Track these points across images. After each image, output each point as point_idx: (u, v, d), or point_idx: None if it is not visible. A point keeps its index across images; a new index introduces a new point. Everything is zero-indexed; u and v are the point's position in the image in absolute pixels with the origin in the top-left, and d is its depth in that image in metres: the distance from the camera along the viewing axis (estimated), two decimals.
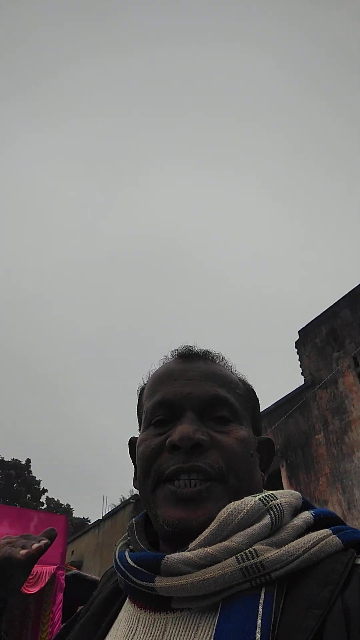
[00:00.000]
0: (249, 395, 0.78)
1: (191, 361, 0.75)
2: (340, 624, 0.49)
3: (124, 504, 19.96)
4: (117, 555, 0.68)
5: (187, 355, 0.76)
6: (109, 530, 19.74)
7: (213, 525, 0.59)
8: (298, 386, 12.57)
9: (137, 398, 0.81)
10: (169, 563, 0.58)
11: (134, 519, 0.75)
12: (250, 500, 0.61)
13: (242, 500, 0.61)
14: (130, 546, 0.70)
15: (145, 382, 0.80)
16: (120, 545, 0.72)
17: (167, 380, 0.73)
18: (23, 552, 0.61)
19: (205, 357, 0.77)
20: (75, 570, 4.93)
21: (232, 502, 0.61)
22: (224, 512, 0.60)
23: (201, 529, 0.61)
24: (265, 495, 0.63)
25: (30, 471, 39.25)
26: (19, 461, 38.64)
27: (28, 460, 39.22)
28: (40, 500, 39.19)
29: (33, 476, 39.21)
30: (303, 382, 12.58)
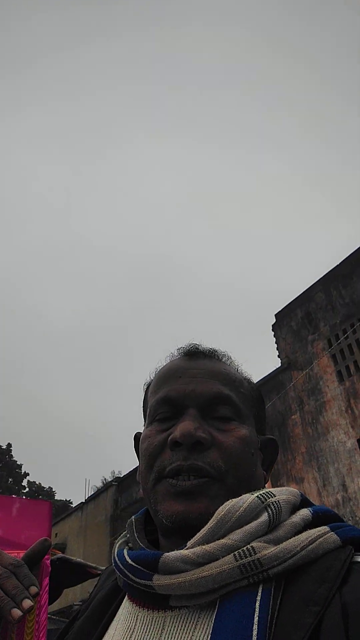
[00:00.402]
0: (253, 395, 0.77)
1: (196, 359, 0.76)
2: (338, 621, 0.49)
3: (106, 486, 20.20)
4: (115, 553, 0.68)
5: (193, 353, 0.77)
6: (92, 512, 19.98)
7: (211, 523, 0.59)
8: (275, 368, 12.85)
9: (143, 394, 0.81)
10: (167, 561, 0.58)
11: (133, 517, 0.76)
12: (248, 498, 0.61)
13: (239, 497, 0.62)
14: (129, 544, 0.70)
15: (151, 378, 0.80)
16: (119, 543, 0.72)
17: (171, 377, 0.73)
18: (15, 614, 0.60)
19: (211, 355, 0.77)
20: (60, 554, 5.05)
21: (230, 500, 0.61)
22: (222, 510, 0.60)
23: (198, 522, 0.61)
24: (263, 493, 0.63)
25: (12, 455, 39.24)
26: (0, 446, 38.58)
27: (9, 445, 39.19)
28: (22, 484, 39.28)
29: (14, 460, 39.22)
30: (280, 364, 12.86)
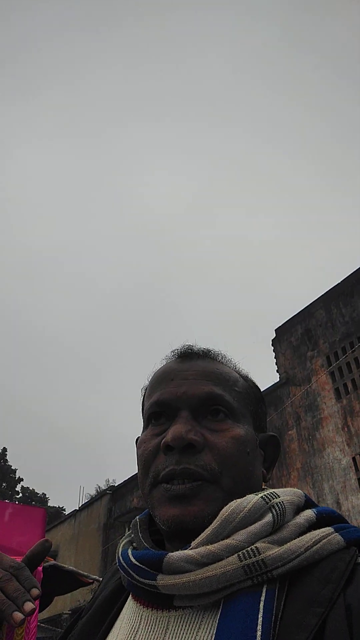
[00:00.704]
0: (250, 392, 0.77)
1: (189, 360, 0.75)
2: (342, 622, 0.49)
3: (100, 494, 20.13)
4: (120, 553, 0.68)
5: (186, 355, 0.76)
6: (85, 520, 19.88)
7: (215, 523, 0.60)
8: (273, 383, 12.87)
9: (141, 398, 0.81)
10: (171, 561, 0.58)
11: (137, 517, 0.76)
12: (252, 499, 0.61)
13: (244, 498, 0.62)
14: (133, 544, 0.70)
15: (148, 382, 0.80)
16: (123, 542, 0.72)
17: (164, 380, 0.73)
18: (17, 617, 0.58)
19: (205, 355, 0.77)
20: (52, 562, 5.05)
21: (234, 500, 0.61)
22: (226, 510, 0.60)
23: (195, 525, 0.61)
24: (267, 494, 0.63)
25: (7, 460, 39.15)
26: None
27: (4, 450, 39.10)
28: (16, 489, 39.13)
29: (9, 465, 39.13)
30: (278, 379, 12.88)
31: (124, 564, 0.65)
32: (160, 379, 0.75)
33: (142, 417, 0.80)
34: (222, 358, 0.78)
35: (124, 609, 0.69)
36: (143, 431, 0.75)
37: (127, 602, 0.69)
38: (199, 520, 0.62)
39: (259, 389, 0.81)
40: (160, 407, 0.72)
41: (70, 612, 16.50)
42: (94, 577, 6.44)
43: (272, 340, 13.63)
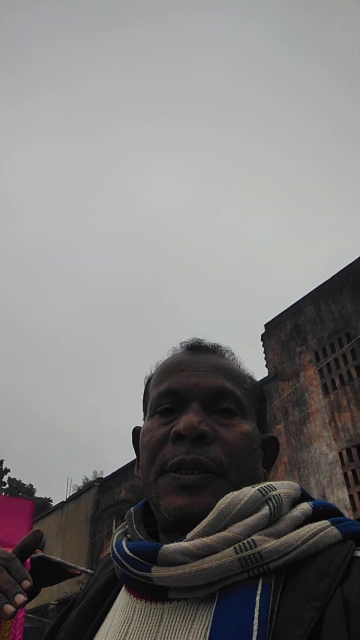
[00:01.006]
0: (256, 392, 0.77)
1: (200, 353, 0.75)
2: (339, 616, 0.48)
3: (88, 486, 20.16)
4: (114, 544, 0.67)
5: (196, 348, 0.77)
6: (72, 512, 19.92)
7: (211, 515, 0.59)
8: (262, 378, 12.95)
9: (144, 387, 0.81)
10: (166, 553, 0.58)
11: (132, 508, 0.75)
12: (249, 491, 0.60)
13: (240, 490, 0.61)
14: (127, 535, 0.69)
15: (153, 372, 0.79)
16: (117, 534, 0.71)
17: (174, 370, 0.73)
18: (8, 610, 0.58)
19: (214, 350, 0.77)
20: (40, 553, 5.07)
21: (231, 493, 0.61)
22: (222, 502, 0.60)
23: (201, 517, 0.60)
24: (264, 486, 0.62)
25: None
26: None
27: None
28: (3, 480, 39.04)
29: None
30: (267, 374, 12.96)
31: (118, 555, 0.65)
32: (170, 369, 0.74)
33: (143, 406, 0.79)
34: (230, 354, 0.79)
35: (116, 600, 0.68)
36: (148, 420, 0.74)
37: (120, 594, 0.68)
38: (205, 513, 0.61)
39: (262, 390, 0.81)
40: (169, 396, 0.71)
41: (57, 602, 16.57)
42: (82, 568, 6.48)
43: (262, 335, 13.69)
